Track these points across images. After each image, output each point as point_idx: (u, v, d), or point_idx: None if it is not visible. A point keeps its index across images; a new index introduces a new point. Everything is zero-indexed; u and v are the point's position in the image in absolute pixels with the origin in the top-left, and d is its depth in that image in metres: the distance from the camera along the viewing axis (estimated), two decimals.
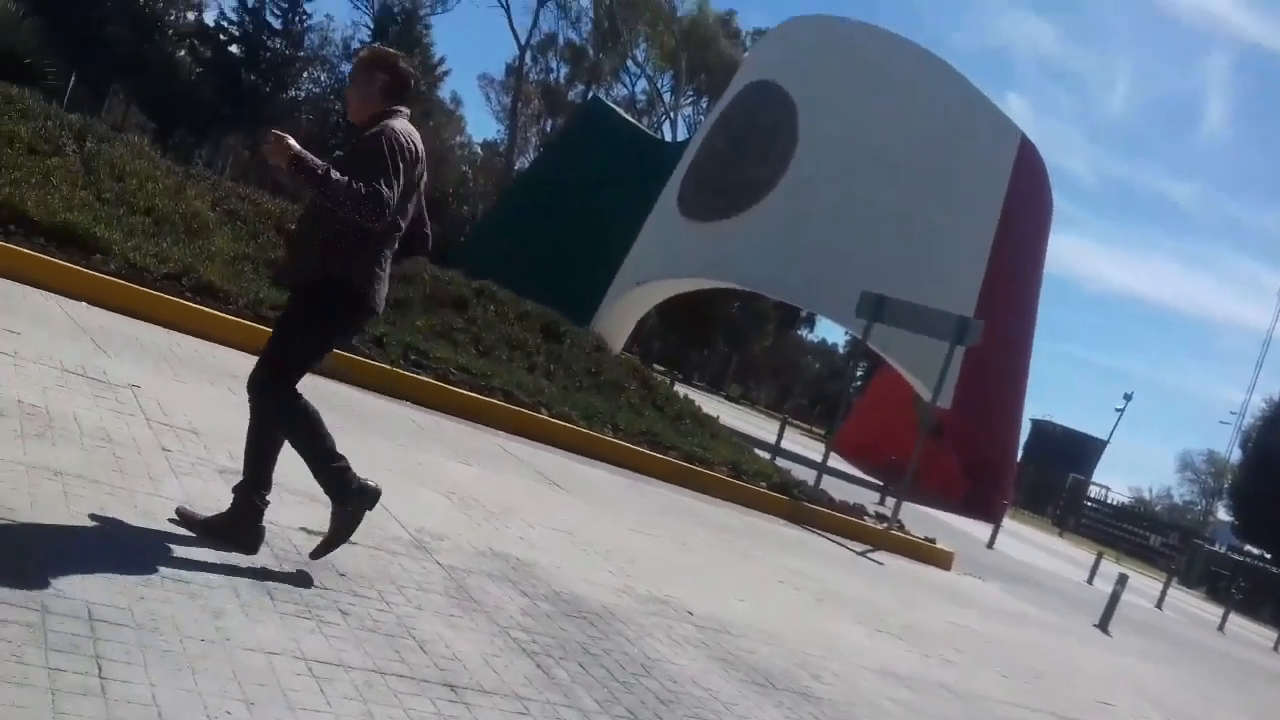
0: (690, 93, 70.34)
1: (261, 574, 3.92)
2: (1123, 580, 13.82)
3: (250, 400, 4.14)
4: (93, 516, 3.87)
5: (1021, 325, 32.25)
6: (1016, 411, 33.88)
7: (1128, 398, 68.84)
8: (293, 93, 61.59)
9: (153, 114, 59.68)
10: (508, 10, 68.48)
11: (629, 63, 72.55)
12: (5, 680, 2.60)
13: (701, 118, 66.28)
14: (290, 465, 5.10)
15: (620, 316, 33.89)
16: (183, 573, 3.65)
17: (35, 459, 4.22)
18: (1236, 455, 64.23)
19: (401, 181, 4.02)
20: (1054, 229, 34.13)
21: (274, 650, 3.29)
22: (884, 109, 28.55)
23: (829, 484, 14.81)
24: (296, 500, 4.99)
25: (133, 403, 5.72)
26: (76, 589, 3.19)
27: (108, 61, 52.92)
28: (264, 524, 4.18)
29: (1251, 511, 52.81)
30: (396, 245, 4.25)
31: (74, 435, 4.73)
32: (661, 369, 40.92)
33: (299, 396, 4.08)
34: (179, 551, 3.84)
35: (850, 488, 19.38)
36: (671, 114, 71.00)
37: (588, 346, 13.38)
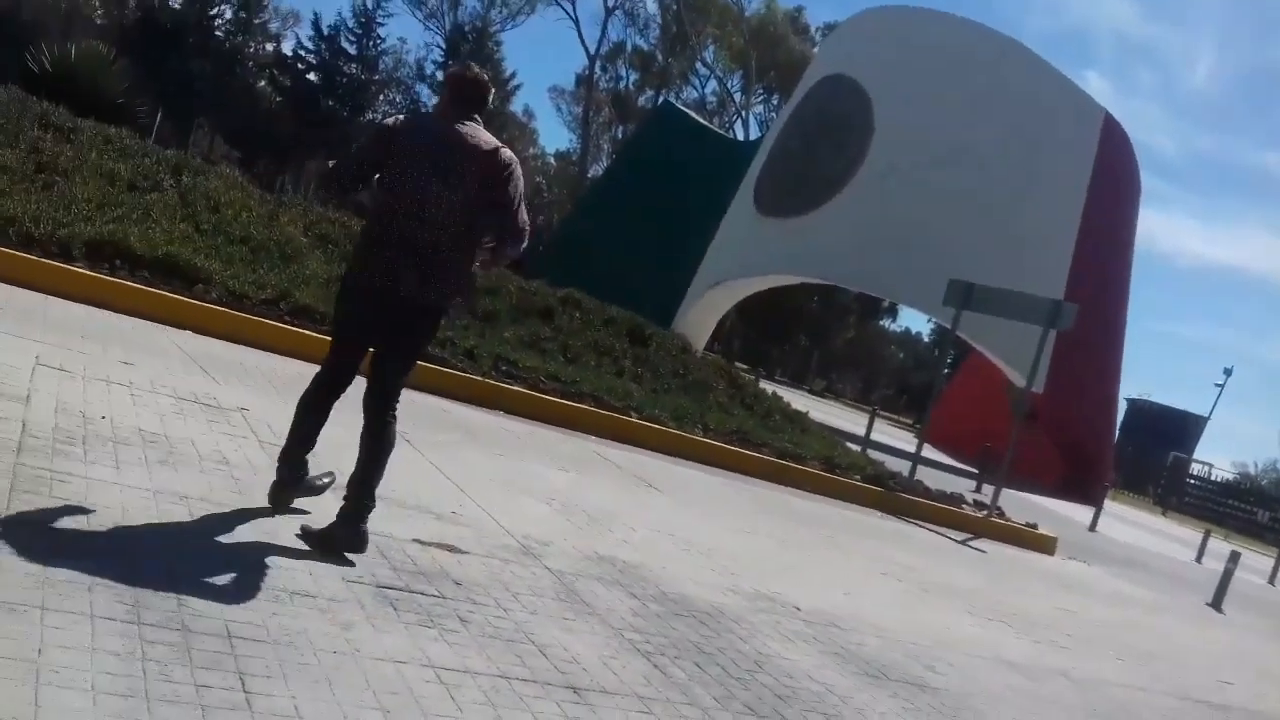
0: (760, 91, 70.16)
1: (382, 586, 4.03)
2: (1235, 557, 13.48)
3: (390, 427, 4.45)
4: (219, 537, 4.02)
5: (1113, 305, 31.56)
6: (1111, 392, 33.17)
7: (1228, 373, 67.31)
8: (370, 116, 62.66)
9: (236, 144, 61.28)
10: (576, 22, 69.06)
11: (698, 65, 72.64)
12: (158, 699, 2.73)
13: (773, 115, 66.04)
14: (402, 479, 5.24)
15: (701, 317, 33.90)
16: (309, 588, 3.78)
17: (161, 484, 4.39)
18: None
19: (364, 157, 4.41)
20: (1142, 205, 33.32)
21: (402, 659, 3.39)
22: (962, 95, 28.14)
23: (922, 474, 14.65)
24: (407, 513, 5.12)
25: (244, 426, 5.92)
26: (213, 608, 3.33)
27: (192, 96, 54.48)
28: (366, 528, 4.32)
29: None
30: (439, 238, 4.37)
31: (194, 460, 4.91)
32: (744, 367, 40.77)
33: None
34: (303, 567, 3.97)
35: (944, 476, 19.16)
36: (743, 113, 70.90)
37: (673, 349, 13.44)
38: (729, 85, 73.08)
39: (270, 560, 3.95)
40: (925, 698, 4.89)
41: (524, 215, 4.54)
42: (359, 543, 4.27)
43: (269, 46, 63.87)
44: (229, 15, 61.91)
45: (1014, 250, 26.53)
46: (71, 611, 2.97)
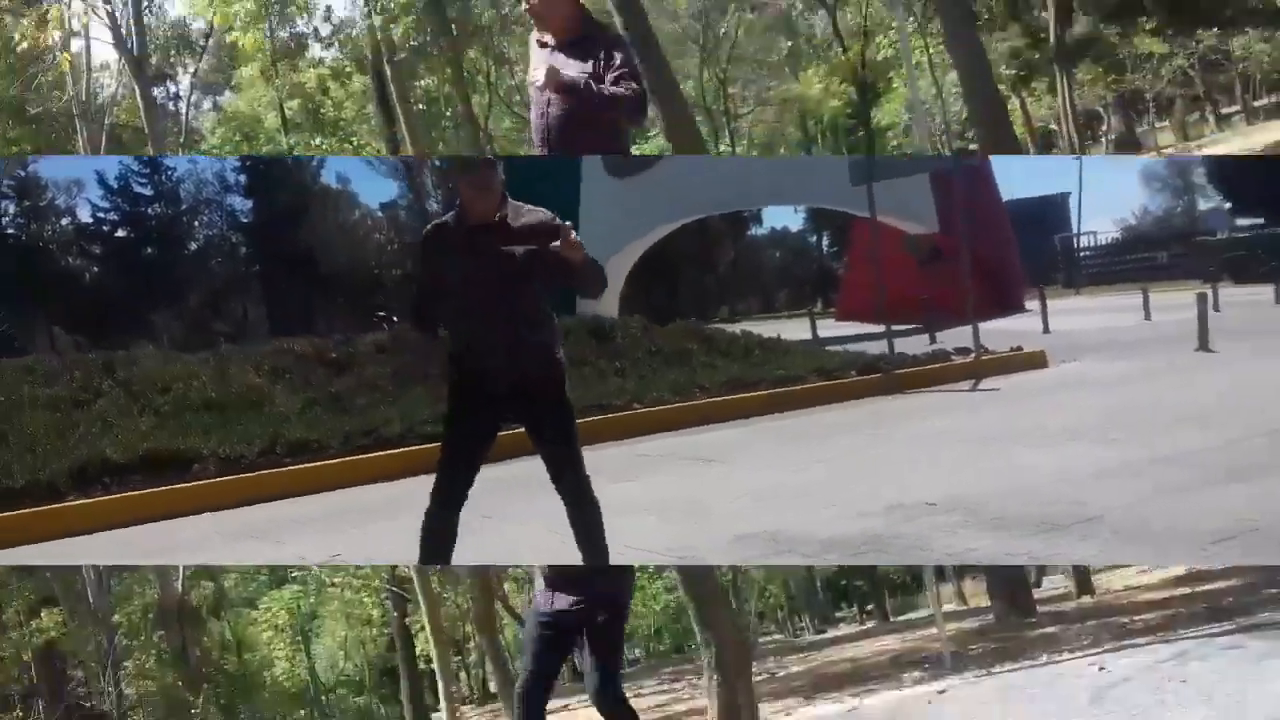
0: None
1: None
2: (1203, 299, 14.10)
3: (588, 505, 4.45)
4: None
5: None
6: (994, 197, 34.03)
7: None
8: (194, 245, 61.09)
9: (77, 328, 59.20)
10: None
11: None
12: None
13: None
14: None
15: (600, 301, 33.80)
16: None
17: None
18: None
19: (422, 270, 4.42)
20: None
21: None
22: None
23: (879, 347, 14.72)
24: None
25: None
26: None
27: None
28: None
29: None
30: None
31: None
32: None
33: None
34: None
35: (896, 342, 19.48)
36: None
37: (636, 331, 13.52)
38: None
39: None
40: (1103, 531, 5.06)
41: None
42: None
43: (64, 222, 61.63)
44: (12, 210, 59.66)
45: None
46: None
